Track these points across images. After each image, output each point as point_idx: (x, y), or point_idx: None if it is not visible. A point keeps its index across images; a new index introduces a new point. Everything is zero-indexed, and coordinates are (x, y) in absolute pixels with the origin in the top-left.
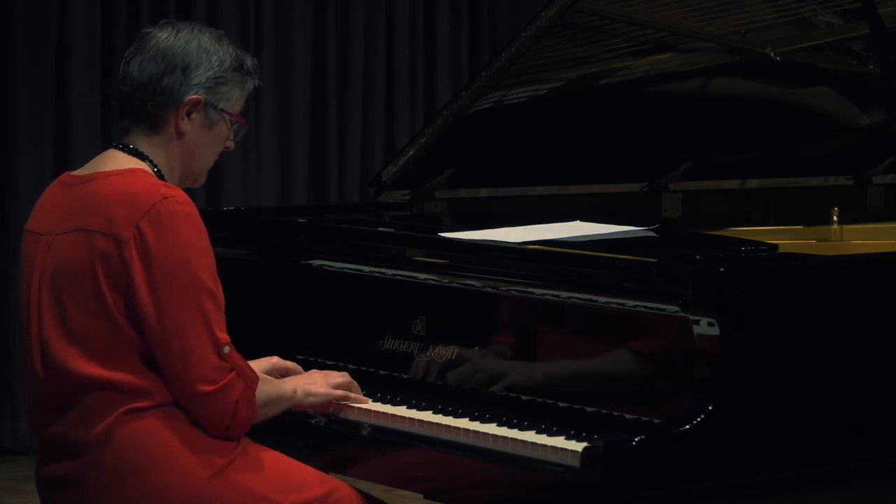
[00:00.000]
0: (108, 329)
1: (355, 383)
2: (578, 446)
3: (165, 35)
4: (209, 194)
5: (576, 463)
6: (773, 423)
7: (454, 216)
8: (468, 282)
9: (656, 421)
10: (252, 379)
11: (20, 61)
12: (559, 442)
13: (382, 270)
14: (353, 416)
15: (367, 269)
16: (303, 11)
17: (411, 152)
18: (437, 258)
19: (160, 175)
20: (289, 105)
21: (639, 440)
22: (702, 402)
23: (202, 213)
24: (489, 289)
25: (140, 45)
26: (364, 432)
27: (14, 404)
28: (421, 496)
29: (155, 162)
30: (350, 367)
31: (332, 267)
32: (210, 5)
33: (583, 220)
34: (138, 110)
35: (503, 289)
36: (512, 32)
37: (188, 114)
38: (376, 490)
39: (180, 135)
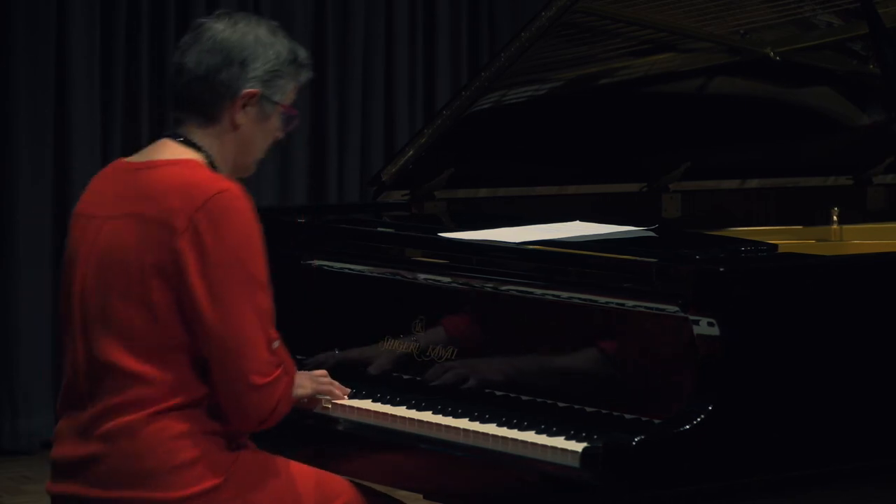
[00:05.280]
0: (150, 321)
1: (334, 381)
2: (578, 446)
3: (222, 27)
4: None
5: (576, 463)
6: (773, 423)
7: (454, 216)
8: (468, 282)
9: (656, 421)
10: (293, 375)
11: (20, 61)
12: (559, 442)
13: (382, 270)
14: (353, 417)
15: (366, 269)
16: (303, 11)
17: (411, 152)
18: (437, 258)
19: (213, 166)
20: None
21: (639, 440)
22: (702, 402)
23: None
24: (489, 289)
25: (196, 36)
26: (364, 433)
27: (14, 405)
28: (421, 496)
29: (209, 153)
30: (350, 367)
31: (332, 267)
32: (210, 5)
33: (583, 220)
34: (193, 102)
35: (503, 289)
36: (512, 32)
37: (243, 106)
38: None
39: (235, 127)
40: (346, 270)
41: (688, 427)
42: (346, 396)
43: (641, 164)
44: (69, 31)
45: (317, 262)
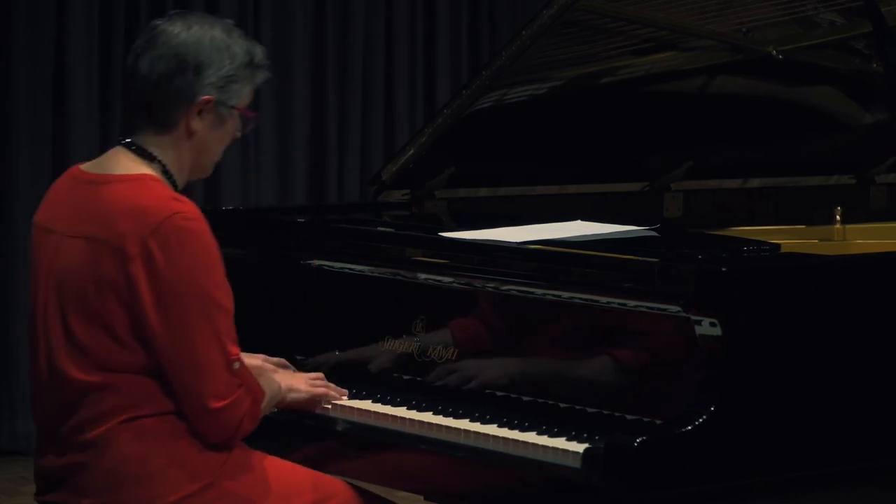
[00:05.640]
0: (109, 340)
1: (330, 384)
2: (580, 447)
3: (177, 30)
4: (208, 194)
5: (577, 464)
6: (776, 423)
7: (454, 216)
8: (468, 282)
9: (658, 422)
10: (259, 394)
11: (20, 61)
12: (560, 443)
13: (382, 270)
14: (353, 417)
15: (367, 269)
16: (303, 10)
17: (411, 151)
18: (437, 258)
19: (169, 175)
20: (289, 105)
21: (640, 441)
22: (704, 402)
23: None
24: (490, 289)
25: (150, 40)
26: (364, 433)
27: (12, 405)
28: (421, 497)
29: (164, 162)
30: (350, 367)
31: (332, 267)
32: (209, 4)
33: (584, 219)
34: (147, 108)
35: (503, 289)
36: (512, 32)
37: (199, 113)
38: (375, 491)
39: (190, 134)
40: (346, 270)
41: (689, 428)
42: (343, 398)
43: (643, 163)
44: (69, 31)
45: (317, 262)
